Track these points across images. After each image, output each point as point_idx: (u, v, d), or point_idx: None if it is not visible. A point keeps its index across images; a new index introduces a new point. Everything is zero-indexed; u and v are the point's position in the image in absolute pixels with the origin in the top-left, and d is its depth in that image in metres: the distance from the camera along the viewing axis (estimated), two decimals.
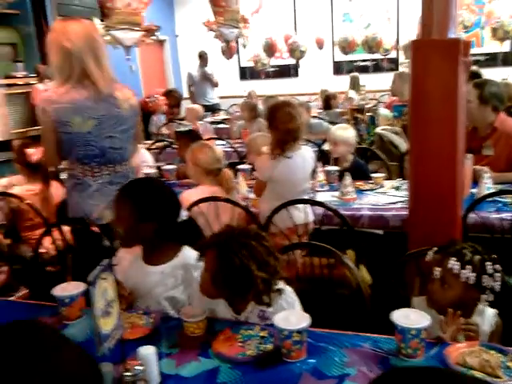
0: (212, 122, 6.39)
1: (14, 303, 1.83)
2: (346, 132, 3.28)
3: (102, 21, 5.27)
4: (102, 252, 1.97)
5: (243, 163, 3.73)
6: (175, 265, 1.69)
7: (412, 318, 1.31)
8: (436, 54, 2.11)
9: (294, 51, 7.59)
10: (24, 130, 5.11)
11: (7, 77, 5.19)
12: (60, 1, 5.94)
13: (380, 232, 2.78)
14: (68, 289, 1.58)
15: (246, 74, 9.42)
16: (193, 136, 3.74)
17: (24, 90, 5.21)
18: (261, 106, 5.59)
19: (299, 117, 2.45)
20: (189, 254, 1.71)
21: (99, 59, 2.09)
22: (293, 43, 7.55)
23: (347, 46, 7.60)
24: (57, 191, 2.97)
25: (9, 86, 5.10)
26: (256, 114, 5.28)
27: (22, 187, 2.87)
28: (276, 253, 1.51)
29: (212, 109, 7.52)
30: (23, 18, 5.45)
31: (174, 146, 4.43)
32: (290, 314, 1.39)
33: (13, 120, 5.20)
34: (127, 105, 2.21)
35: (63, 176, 3.27)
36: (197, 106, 6.14)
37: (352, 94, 6.55)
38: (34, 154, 2.89)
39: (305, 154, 2.58)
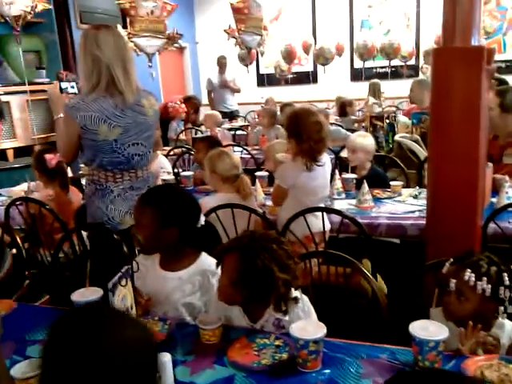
0: (230, 129, 6.41)
1: (35, 308, 1.86)
2: (365, 140, 3.26)
3: (124, 28, 5.36)
4: (121, 258, 2.00)
5: (261, 170, 3.73)
6: (193, 271, 1.69)
7: (430, 329, 1.29)
8: (459, 61, 2.09)
9: (319, 57, 7.59)
10: (45, 135, 5.20)
11: (30, 83, 5.29)
12: (83, 9, 6.05)
13: (397, 241, 2.75)
14: (86, 294, 1.59)
15: (264, 80, 9.45)
16: (210, 142, 3.76)
17: (46, 97, 5.30)
18: (278, 113, 5.60)
19: (326, 124, 2.46)
20: (206, 260, 1.72)
21: (127, 69, 2.12)
22: (319, 49, 7.57)
23: (366, 53, 7.56)
24: (75, 197, 3.02)
25: (32, 92, 5.20)
26: (275, 120, 5.29)
27: (41, 192, 2.92)
28: (295, 258, 1.52)
29: (231, 115, 7.56)
30: (47, 26, 5.56)
31: (191, 152, 4.46)
32: (307, 323, 1.38)
33: (35, 126, 5.29)
34: (152, 112, 2.25)
35: (83, 181, 3.33)
36: (215, 113, 6.18)
37: (372, 100, 6.52)
38: (53, 159, 2.94)
39: (325, 161, 2.57)
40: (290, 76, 8.80)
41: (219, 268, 1.66)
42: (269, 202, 2.92)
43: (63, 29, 5.74)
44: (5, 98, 5.04)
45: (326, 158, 2.60)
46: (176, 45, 5.70)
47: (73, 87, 2.38)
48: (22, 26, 4.88)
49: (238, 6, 5.30)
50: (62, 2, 5.22)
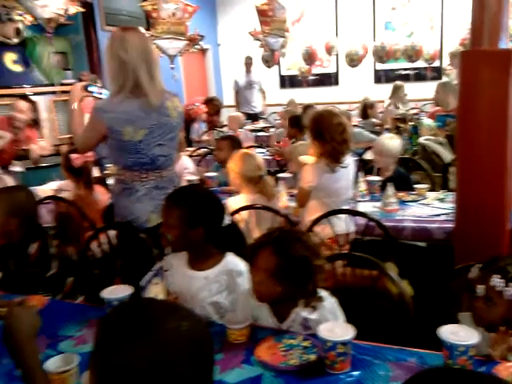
0: (252, 130, 6.43)
1: (66, 304, 1.90)
2: (392, 142, 3.24)
3: (147, 30, 5.42)
4: (148, 256, 2.03)
5: (283, 171, 3.74)
6: (219, 270, 1.71)
7: (461, 334, 1.28)
8: (486, 65, 2.07)
9: (348, 59, 7.61)
10: (71, 135, 5.30)
11: (57, 84, 5.40)
12: (108, 11, 6.14)
13: (422, 244, 2.73)
14: (116, 292, 1.62)
15: (286, 82, 9.45)
16: (232, 141, 3.78)
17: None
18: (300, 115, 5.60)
19: (349, 126, 2.46)
20: (233, 260, 1.73)
21: (152, 71, 2.15)
22: (347, 51, 7.58)
23: (385, 55, 7.50)
24: (102, 196, 3.07)
25: (58, 93, 5.31)
26: None
27: (69, 192, 2.97)
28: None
29: (255, 117, 7.56)
30: (73, 28, 5.66)
31: (214, 153, 4.49)
32: (335, 325, 1.39)
33: (62, 126, 5.40)
34: (176, 113, 2.28)
35: (109, 181, 3.38)
36: (239, 114, 6.21)
37: (388, 102, 6.48)
38: (78, 159, 2.99)
39: (348, 163, 2.57)
40: (311, 78, 8.79)
41: (246, 268, 1.68)
42: (292, 204, 2.93)
43: (89, 31, 5.84)
44: (32, 99, 5.14)
45: (350, 160, 2.59)
46: (197, 46, 5.75)
47: (100, 93, 2.42)
48: (48, 29, 4.99)
49: (263, 8, 5.32)
50: (87, 4, 5.30)
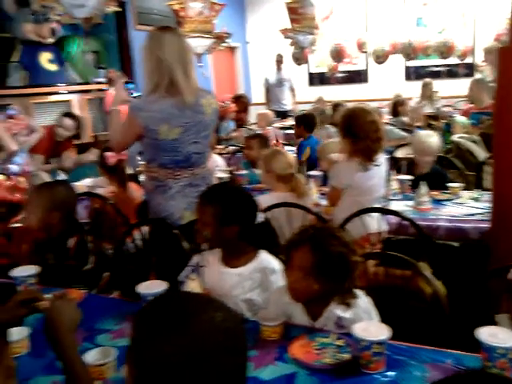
0: (281, 128, 6.42)
1: (102, 299, 1.94)
2: (431, 139, 3.18)
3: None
4: (181, 252, 2.06)
5: (310, 169, 3.72)
6: (253, 268, 1.72)
7: (500, 336, 1.26)
8: None
9: (373, 56, 7.54)
10: (102, 133, 5.40)
11: (90, 83, 5.51)
12: (140, 10, 6.22)
13: (456, 244, 2.68)
14: (151, 287, 1.64)
15: (315, 79, 9.40)
16: (261, 140, 3.79)
17: (104, 96, 5.50)
18: (329, 113, 5.56)
19: (382, 124, 2.43)
20: (266, 258, 1.74)
21: (187, 70, 2.18)
22: (377, 47, 7.52)
23: (412, 52, 7.38)
24: (136, 193, 3.12)
25: (91, 91, 5.42)
26: (325, 119, 5.26)
27: (104, 188, 3.03)
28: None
29: (284, 115, 7.54)
30: (106, 27, 5.76)
31: (243, 151, 4.50)
32: (370, 324, 1.38)
33: (95, 124, 5.51)
34: (210, 110, 2.30)
35: (142, 178, 3.44)
36: (268, 112, 6.21)
37: (415, 100, 6.37)
38: (112, 157, 3.05)
39: (381, 161, 2.54)
40: (341, 75, 8.72)
41: (279, 266, 1.68)
42: (323, 202, 2.92)
43: (121, 30, 5.94)
44: (67, 97, 5.27)
45: (382, 158, 2.57)
46: (224, 44, 5.77)
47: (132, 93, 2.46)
48: (85, 28, 5.08)
49: (293, 5, 5.31)
50: (121, 4, 5.38)
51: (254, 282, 1.71)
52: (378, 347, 1.31)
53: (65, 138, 4.05)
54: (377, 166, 2.47)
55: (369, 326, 1.35)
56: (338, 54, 7.72)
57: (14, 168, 2.22)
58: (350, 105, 3.98)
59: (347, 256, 1.46)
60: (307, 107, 7.86)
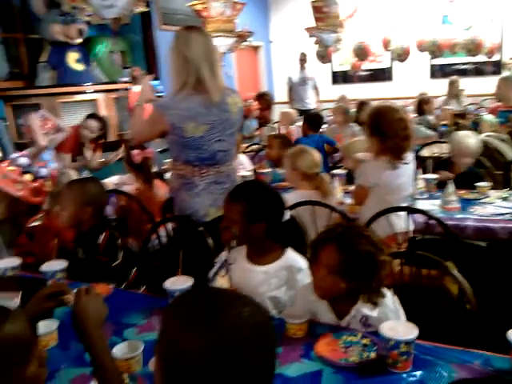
0: None
1: (129, 293, 1.96)
2: (471, 140, 3.12)
3: None
4: (205, 249, 2.07)
5: (335, 168, 3.70)
6: (279, 266, 1.72)
7: None
8: None
9: (394, 54, 7.46)
10: (128, 132, 5.46)
11: (116, 82, 5.59)
12: (165, 10, 6.28)
13: (483, 244, 2.63)
14: (178, 282, 1.66)
15: (338, 78, 9.34)
16: (284, 139, 3.79)
17: (130, 95, 5.56)
18: (353, 111, 5.52)
19: (411, 122, 2.41)
20: (293, 256, 1.74)
21: (214, 69, 2.21)
22: (396, 45, 7.46)
23: (436, 50, 7.26)
24: (161, 190, 3.15)
25: (117, 90, 5.49)
26: (348, 118, 5.22)
27: (131, 186, 3.08)
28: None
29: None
30: (131, 28, 5.83)
31: (265, 150, 4.50)
32: (397, 323, 1.37)
33: (121, 123, 5.58)
34: (236, 109, 2.32)
35: (168, 175, 3.47)
36: (291, 111, 6.20)
37: (442, 99, 6.27)
38: (138, 155, 3.09)
39: (409, 159, 2.52)
40: (364, 73, 8.64)
41: (306, 264, 1.68)
42: (348, 200, 2.90)
43: (146, 30, 6.00)
44: (93, 97, 5.35)
45: (411, 157, 2.54)
46: (246, 42, 5.78)
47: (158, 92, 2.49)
48: (109, 28, 5.16)
49: (318, 4, 5.30)
50: (146, 4, 5.44)
51: (280, 280, 1.71)
52: (405, 347, 1.29)
53: (90, 139, 4.10)
54: (405, 164, 2.44)
55: (396, 326, 1.34)
56: (362, 52, 7.66)
57: (43, 171, 2.27)
58: (375, 103, 3.94)
59: (375, 255, 1.45)
60: (330, 106, 7.83)
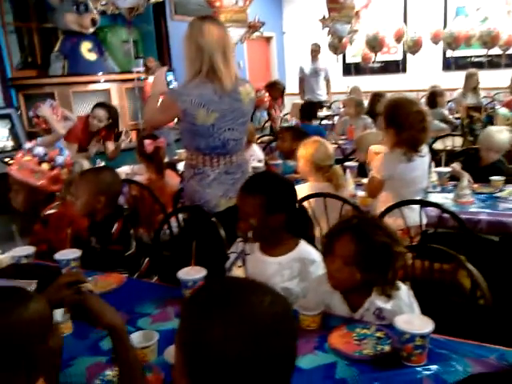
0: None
1: (142, 283, 1.97)
2: (502, 136, 3.07)
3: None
4: (217, 240, 2.07)
5: (347, 160, 3.68)
6: (293, 257, 1.72)
7: None
8: None
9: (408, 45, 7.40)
10: (141, 122, 5.47)
11: (128, 72, 5.58)
12: (178, 0, 6.25)
13: (495, 238, 2.61)
14: (191, 273, 1.66)
15: (350, 69, 9.27)
16: (295, 132, 3.76)
17: (141, 85, 5.57)
18: (365, 102, 5.47)
19: (428, 114, 2.38)
20: (306, 248, 1.73)
21: (227, 58, 2.22)
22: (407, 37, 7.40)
23: (453, 42, 7.16)
24: (173, 180, 3.16)
25: (129, 80, 5.49)
26: (361, 110, 5.18)
27: (142, 176, 3.08)
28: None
29: (319, 105, 7.43)
30: (144, 18, 5.82)
31: (277, 142, 4.48)
32: (413, 317, 1.36)
33: (133, 113, 5.59)
34: (248, 99, 2.33)
35: (180, 166, 3.48)
36: (302, 102, 6.15)
37: (458, 92, 6.20)
38: (150, 145, 3.09)
39: (425, 152, 2.50)
40: (376, 65, 8.56)
41: (319, 257, 1.67)
42: (360, 193, 2.89)
43: (159, 20, 5.98)
44: (105, 86, 5.35)
45: (426, 149, 2.51)
46: (257, 33, 5.75)
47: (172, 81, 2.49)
48: (121, 18, 5.15)
49: None
50: None
51: (293, 272, 1.71)
52: (420, 340, 1.29)
53: (99, 129, 4.10)
54: (421, 156, 2.42)
55: (412, 319, 1.33)
56: (377, 44, 7.57)
57: (59, 159, 2.27)
58: (389, 95, 3.90)
59: (391, 246, 1.44)
60: (341, 98, 7.77)
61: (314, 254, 1.72)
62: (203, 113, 2.18)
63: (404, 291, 1.51)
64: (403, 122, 2.34)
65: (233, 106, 2.26)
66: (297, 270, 1.71)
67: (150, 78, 5.06)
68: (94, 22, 5.28)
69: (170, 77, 2.38)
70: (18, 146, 4.44)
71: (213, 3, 5.07)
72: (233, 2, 4.84)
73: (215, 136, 2.24)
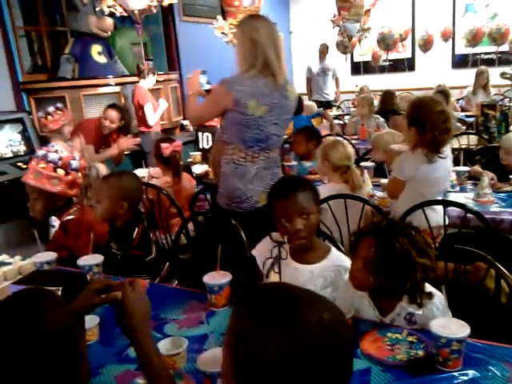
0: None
1: (165, 288, 1.94)
2: None
3: (224, 20, 5.47)
4: (239, 243, 2.04)
5: (363, 160, 3.64)
6: (326, 266, 1.69)
7: None
8: None
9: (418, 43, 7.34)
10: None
11: (136, 75, 5.57)
12: (186, 2, 6.24)
13: None
14: (216, 277, 1.64)
15: (359, 68, 9.22)
16: (308, 133, 3.73)
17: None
18: (375, 102, 5.44)
19: (451, 115, 2.35)
20: (338, 255, 1.71)
21: (279, 54, 2.27)
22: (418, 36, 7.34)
23: (471, 38, 7.11)
24: (189, 183, 3.14)
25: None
26: (373, 109, 5.15)
27: (159, 179, 3.07)
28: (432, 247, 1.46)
29: (327, 105, 7.39)
30: (153, 19, 5.81)
31: (292, 145, 4.44)
32: (448, 320, 1.33)
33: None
34: (293, 98, 2.38)
35: (195, 169, 3.46)
36: (310, 103, 6.12)
37: (469, 89, 6.15)
38: (167, 148, 3.08)
39: (448, 153, 2.46)
40: (385, 63, 8.52)
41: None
42: (378, 193, 2.86)
43: (168, 21, 5.96)
44: (115, 89, 5.34)
45: (449, 150, 2.48)
46: None
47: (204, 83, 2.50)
48: (131, 20, 5.14)
49: None
50: None
51: (326, 281, 1.68)
52: (457, 345, 1.26)
53: (111, 131, 4.08)
54: (443, 158, 2.39)
55: (448, 323, 1.30)
56: (390, 42, 7.53)
57: (73, 163, 2.25)
58: (399, 94, 3.86)
59: (412, 256, 1.37)
60: (349, 97, 7.73)
61: (347, 261, 1.68)
62: (254, 104, 2.21)
63: (437, 296, 1.47)
64: (425, 122, 2.31)
65: (281, 102, 2.30)
66: (329, 279, 1.68)
67: (142, 82, 4.92)
68: (115, 26, 5.26)
69: (204, 79, 2.40)
70: (30, 151, 4.43)
71: (231, 3, 5.08)
72: (250, 2, 4.85)
73: (261, 129, 2.26)
